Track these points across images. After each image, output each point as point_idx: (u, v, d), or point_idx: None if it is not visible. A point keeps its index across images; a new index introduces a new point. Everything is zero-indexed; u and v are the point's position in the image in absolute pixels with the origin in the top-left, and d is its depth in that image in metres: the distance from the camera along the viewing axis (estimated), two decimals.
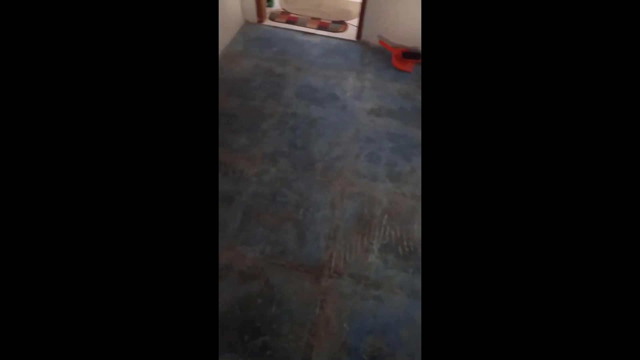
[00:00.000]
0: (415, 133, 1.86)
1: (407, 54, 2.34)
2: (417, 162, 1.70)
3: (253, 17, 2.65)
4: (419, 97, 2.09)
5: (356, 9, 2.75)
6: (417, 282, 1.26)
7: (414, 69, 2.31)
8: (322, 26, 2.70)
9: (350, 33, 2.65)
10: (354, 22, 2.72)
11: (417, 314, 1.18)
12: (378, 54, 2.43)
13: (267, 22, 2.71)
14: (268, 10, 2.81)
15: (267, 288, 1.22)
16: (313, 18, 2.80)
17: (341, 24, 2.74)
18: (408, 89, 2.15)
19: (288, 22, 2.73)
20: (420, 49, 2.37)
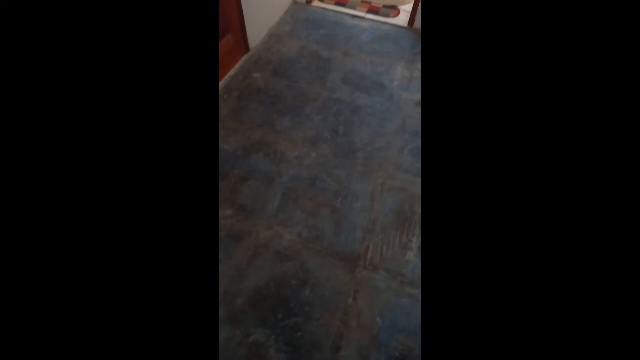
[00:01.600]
0: None
1: None
2: None
3: None
4: None
5: None
6: None
7: None
8: (373, 10, 2.58)
9: (401, 19, 2.51)
10: (406, 8, 2.57)
11: None
12: None
13: (316, 3, 2.64)
14: None
15: (302, 271, 1.22)
16: (363, 1, 2.68)
17: (392, 9, 2.61)
18: None
19: (337, 4, 2.64)
20: None
